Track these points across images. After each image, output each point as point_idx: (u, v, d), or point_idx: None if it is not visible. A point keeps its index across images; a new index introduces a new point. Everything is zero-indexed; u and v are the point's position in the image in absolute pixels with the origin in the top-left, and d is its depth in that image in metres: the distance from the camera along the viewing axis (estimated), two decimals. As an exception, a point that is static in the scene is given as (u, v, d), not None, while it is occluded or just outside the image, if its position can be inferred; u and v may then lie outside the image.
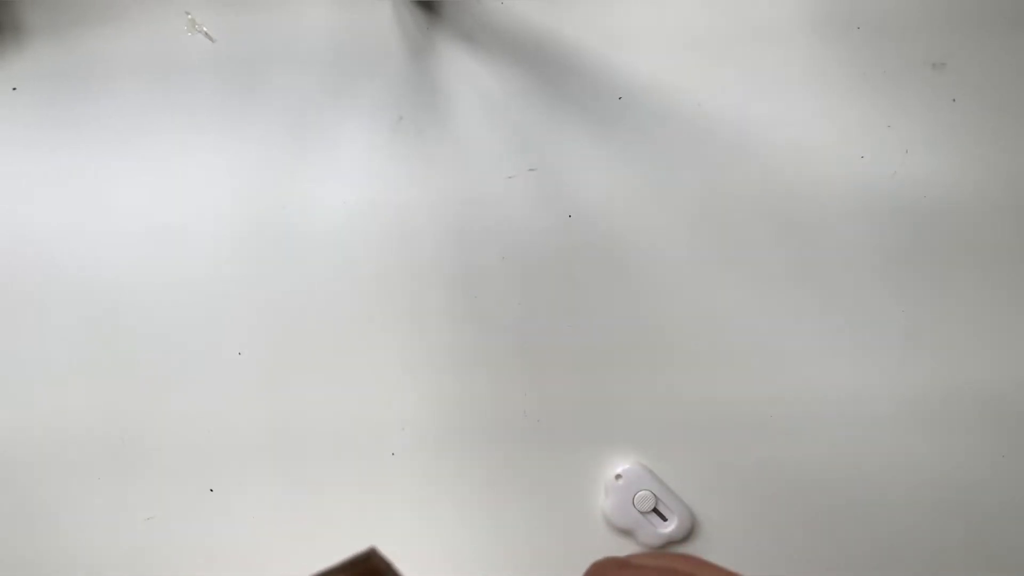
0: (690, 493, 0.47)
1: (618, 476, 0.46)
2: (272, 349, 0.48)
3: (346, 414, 0.48)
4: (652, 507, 0.46)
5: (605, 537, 0.48)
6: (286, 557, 0.48)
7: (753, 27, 0.48)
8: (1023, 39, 0.48)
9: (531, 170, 0.48)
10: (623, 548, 0.48)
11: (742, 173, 0.48)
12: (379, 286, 0.48)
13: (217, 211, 0.47)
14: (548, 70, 0.47)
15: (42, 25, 0.47)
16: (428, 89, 0.47)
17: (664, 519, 0.46)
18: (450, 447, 0.48)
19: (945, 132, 0.48)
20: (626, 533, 0.47)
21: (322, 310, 0.48)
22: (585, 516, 0.48)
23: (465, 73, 0.47)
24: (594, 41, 0.47)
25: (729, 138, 0.48)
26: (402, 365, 0.48)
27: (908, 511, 0.48)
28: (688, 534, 0.47)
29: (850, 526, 0.48)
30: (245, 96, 0.47)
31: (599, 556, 0.48)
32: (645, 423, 0.47)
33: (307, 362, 0.48)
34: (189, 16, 0.47)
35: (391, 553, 0.48)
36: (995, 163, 0.48)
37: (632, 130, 0.48)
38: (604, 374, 0.48)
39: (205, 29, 0.47)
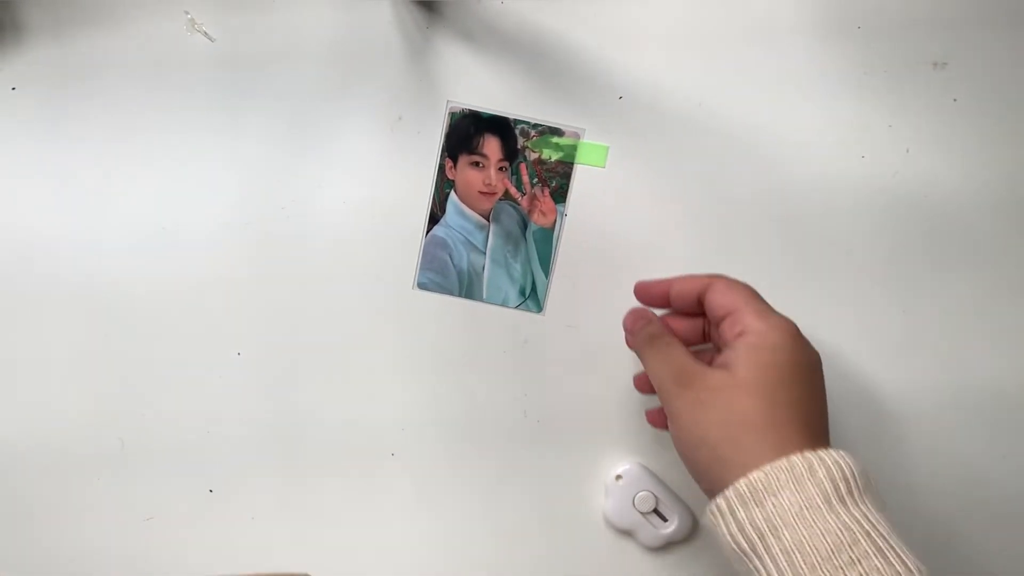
0: (690, 493, 0.47)
1: (618, 477, 0.46)
2: (272, 349, 0.48)
3: (346, 414, 0.48)
4: (652, 507, 0.46)
5: (605, 537, 0.48)
6: (286, 557, 0.48)
7: (754, 27, 0.47)
8: (1024, 38, 0.48)
9: (531, 170, 0.48)
10: (623, 548, 0.48)
11: (742, 173, 0.48)
12: (379, 285, 0.48)
13: (216, 211, 0.47)
14: (548, 70, 0.47)
15: (42, 25, 0.47)
16: (428, 89, 0.47)
17: (664, 519, 0.46)
18: (450, 447, 0.48)
19: (946, 131, 0.48)
20: (626, 533, 0.47)
21: (322, 310, 0.48)
22: (585, 516, 0.48)
23: (465, 73, 0.47)
24: (594, 41, 0.47)
25: (729, 138, 0.48)
26: (402, 365, 0.48)
27: (908, 511, 0.48)
28: (688, 534, 0.47)
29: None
30: (245, 96, 0.47)
31: (599, 556, 0.48)
32: (645, 423, 0.47)
33: (307, 362, 0.47)
34: (189, 16, 0.47)
35: (391, 553, 0.48)
36: (996, 162, 0.48)
37: (632, 130, 0.47)
38: (604, 374, 0.48)
39: (205, 29, 0.47)
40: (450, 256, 0.46)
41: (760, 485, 0.36)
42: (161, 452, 0.47)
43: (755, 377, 0.38)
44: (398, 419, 0.48)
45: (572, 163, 0.45)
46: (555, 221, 0.46)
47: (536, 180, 0.45)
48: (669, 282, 0.42)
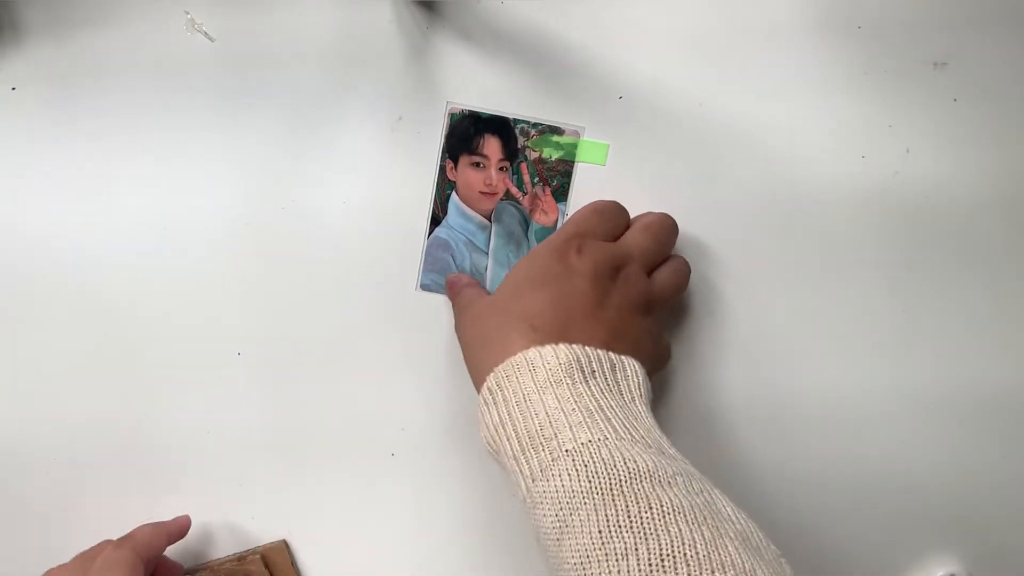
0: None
1: None
2: (272, 349, 0.48)
3: (346, 414, 0.48)
4: None
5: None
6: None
7: (754, 26, 0.47)
8: (1024, 38, 0.48)
9: (531, 170, 0.48)
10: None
11: (742, 172, 0.48)
12: (379, 286, 0.48)
13: (216, 211, 0.47)
14: (548, 70, 0.47)
15: (42, 25, 0.47)
16: (428, 89, 0.47)
17: None
18: (450, 447, 0.48)
19: (946, 132, 0.48)
20: None
21: (322, 310, 0.48)
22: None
23: (465, 73, 0.47)
24: (594, 40, 0.47)
25: (729, 137, 0.48)
26: (402, 365, 0.48)
27: (909, 511, 0.48)
28: None
29: (849, 525, 0.48)
30: (245, 96, 0.47)
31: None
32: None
33: (307, 362, 0.47)
34: (189, 16, 0.47)
35: (391, 553, 0.48)
36: (996, 162, 0.48)
37: (632, 129, 0.47)
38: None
39: (205, 29, 0.47)
40: (452, 257, 0.46)
41: (493, 384, 0.38)
42: (160, 452, 0.47)
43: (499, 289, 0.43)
44: (398, 419, 0.48)
45: (573, 162, 0.45)
46: (557, 220, 0.46)
47: (537, 179, 0.45)
48: None
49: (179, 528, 0.45)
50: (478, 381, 0.40)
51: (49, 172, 0.47)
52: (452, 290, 0.46)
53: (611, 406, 0.36)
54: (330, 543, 0.48)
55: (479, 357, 0.41)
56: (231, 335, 0.47)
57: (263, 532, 0.47)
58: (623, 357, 0.39)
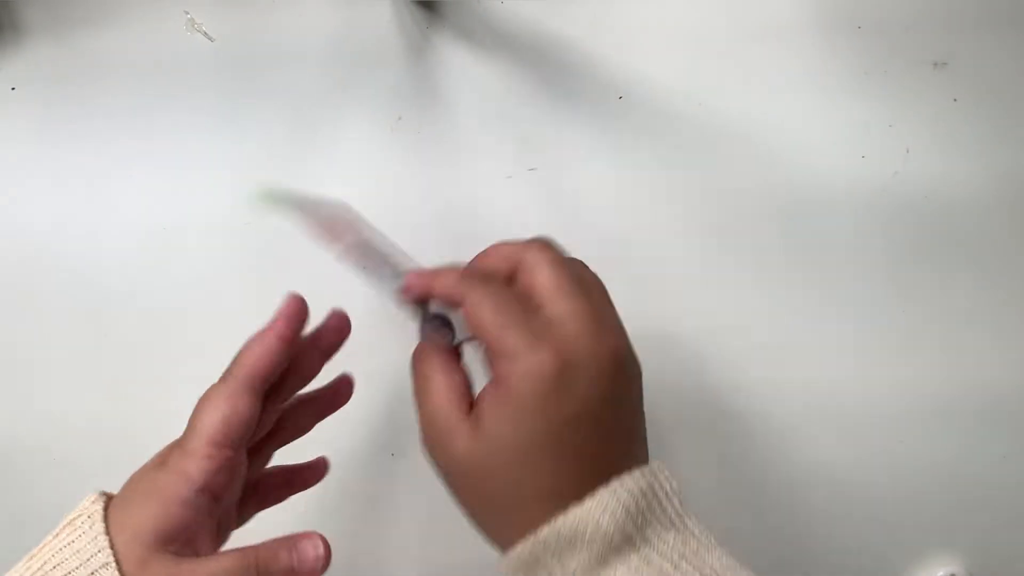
0: (690, 491, 0.47)
1: None
2: (272, 349, 0.47)
3: (345, 414, 0.48)
4: None
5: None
6: (286, 557, 0.47)
7: (754, 27, 0.48)
8: (1024, 38, 0.48)
9: (531, 170, 0.48)
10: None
11: (743, 173, 0.48)
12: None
13: (216, 210, 0.47)
14: (548, 70, 0.47)
15: (41, 25, 0.47)
16: (428, 89, 0.47)
17: None
18: (450, 447, 0.48)
19: (946, 131, 0.48)
20: None
21: (322, 310, 0.48)
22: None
23: (465, 73, 0.47)
24: (594, 40, 0.47)
25: (730, 138, 0.48)
26: (402, 365, 0.48)
27: (909, 511, 0.48)
28: None
29: (850, 525, 0.48)
30: (244, 96, 0.47)
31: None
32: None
33: (307, 362, 0.47)
34: (188, 16, 0.47)
35: (391, 554, 0.48)
36: (996, 162, 0.48)
37: (632, 130, 0.47)
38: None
39: (205, 29, 0.47)
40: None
41: (531, 560, 0.32)
42: (161, 452, 0.47)
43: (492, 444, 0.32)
44: (398, 419, 0.48)
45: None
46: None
47: None
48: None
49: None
50: (497, 545, 0.36)
51: (49, 172, 0.47)
52: (416, 358, 0.37)
53: (680, 553, 0.32)
54: (330, 543, 0.48)
55: (491, 524, 0.36)
56: (231, 335, 0.47)
57: (264, 531, 0.47)
58: (654, 478, 0.34)
